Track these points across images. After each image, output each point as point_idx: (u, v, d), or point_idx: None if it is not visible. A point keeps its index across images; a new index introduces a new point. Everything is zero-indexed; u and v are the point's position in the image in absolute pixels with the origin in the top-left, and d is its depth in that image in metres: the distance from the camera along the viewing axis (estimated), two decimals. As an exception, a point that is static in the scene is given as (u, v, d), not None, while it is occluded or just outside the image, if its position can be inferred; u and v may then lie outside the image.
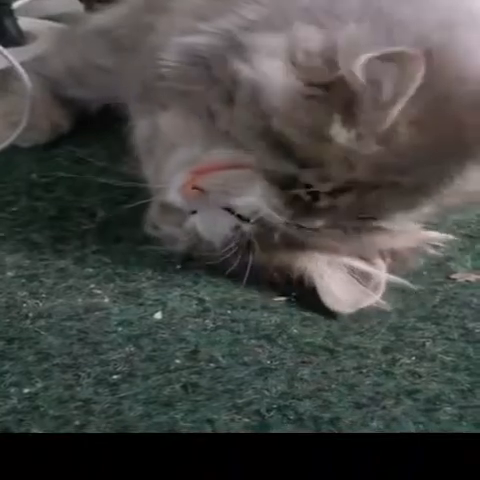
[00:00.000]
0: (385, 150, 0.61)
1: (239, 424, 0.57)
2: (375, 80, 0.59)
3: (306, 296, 0.68)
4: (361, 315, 0.66)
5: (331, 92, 0.62)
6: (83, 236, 0.75)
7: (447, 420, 0.57)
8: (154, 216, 0.72)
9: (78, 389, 0.59)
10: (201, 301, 0.68)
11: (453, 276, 0.71)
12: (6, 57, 0.87)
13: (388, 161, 0.61)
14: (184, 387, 0.60)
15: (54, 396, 0.59)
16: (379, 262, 0.69)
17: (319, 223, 0.65)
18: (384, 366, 0.62)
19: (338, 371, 0.61)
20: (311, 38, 0.64)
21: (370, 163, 0.61)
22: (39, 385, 0.59)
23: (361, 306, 0.66)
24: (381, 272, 0.68)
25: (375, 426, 0.57)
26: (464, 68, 0.62)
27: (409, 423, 0.57)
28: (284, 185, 0.65)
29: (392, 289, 0.68)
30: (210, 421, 0.57)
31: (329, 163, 0.62)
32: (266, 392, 0.59)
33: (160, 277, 0.71)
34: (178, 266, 0.71)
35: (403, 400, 0.59)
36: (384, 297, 0.67)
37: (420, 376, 0.61)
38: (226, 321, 0.66)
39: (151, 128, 0.73)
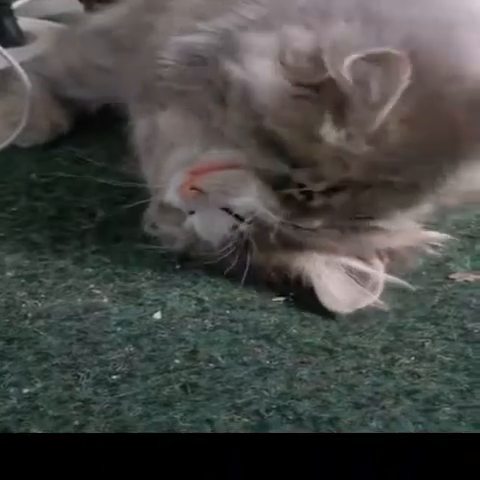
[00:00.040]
0: (376, 149, 0.61)
1: (238, 424, 0.57)
2: (362, 81, 0.59)
3: (305, 296, 0.68)
4: (360, 315, 0.66)
5: (321, 92, 0.62)
6: (82, 236, 0.75)
7: (446, 420, 0.57)
8: (153, 215, 0.72)
9: (77, 389, 0.59)
10: (200, 301, 0.68)
11: (452, 276, 0.71)
12: (6, 57, 0.87)
13: (380, 160, 0.61)
14: (183, 387, 0.60)
15: (53, 396, 0.59)
16: (377, 262, 0.69)
17: (315, 223, 0.65)
18: (383, 366, 0.62)
19: (337, 371, 0.61)
20: (300, 38, 0.65)
21: (362, 162, 0.61)
22: (38, 385, 0.59)
23: (359, 306, 0.66)
24: (379, 272, 0.68)
25: (374, 426, 0.57)
26: (458, 66, 0.62)
27: (408, 423, 0.57)
28: (277, 185, 0.65)
29: (391, 289, 0.68)
30: (209, 421, 0.57)
31: (321, 163, 0.62)
32: (265, 392, 0.59)
33: (159, 277, 0.71)
34: (177, 266, 0.71)
35: (402, 400, 0.59)
36: (383, 297, 0.67)
37: (419, 376, 0.61)
38: (225, 321, 0.66)
39: (150, 127, 0.73)
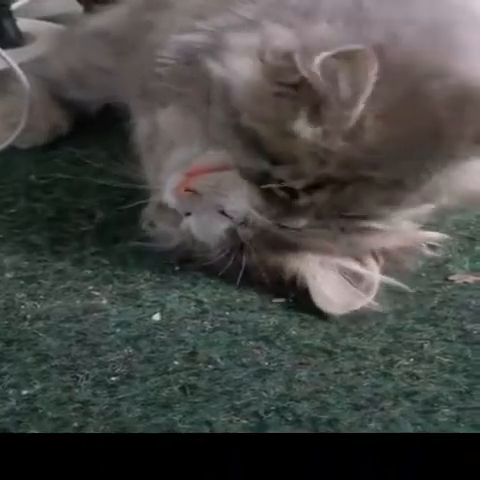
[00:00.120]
0: (352, 146, 0.61)
1: (237, 426, 0.57)
2: (332, 79, 0.60)
3: (304, 298, 0.68)
4: (359, 317, 0.66)
5: (299, 90, 0.62)
6: (81, 237, 0.75)
7: (445, 422, 0.57)
8: (151, 214, 0.73)
9: (76, 391, 0.59)
10: (199, 303, 0.68)
11: (451, 278, 0.71)
12: (5, 58, 0.87)
13: (357, 156, 0.61)
14: (182, 389, 0.60)
15: (52, 398, 0.59)
16: (372, 263, 0.69)
17: (301, 222, 0.65)
18: (382, 368, 0.62)
19: (336, 373, 0.61)
20: (280, 37, 0.65)
21: (339, 159, 0.61)
22: (37, 387, 0.59)
23: (353, 308, 0.66)
24: (374, 273, 0.68)
25: (373, 427, 0.57)
26: (442, 64, 0.62)
27: (407, 425, 0.57)
28: (260, 183, 0.65)
29: (390, 291, 0.68)
30: (208, 422, 0.57)
31: (299, 159, 0.62)
32: (264, 394, 0.59)
33: (158, 279, 0.71)
34: (177, 268, 0.71)
35: (401, 402, 0.59)
36: (381, 299, 0.67)
37: (418, 378, 0.61)
38: (224, 323, 0.66)
39: (152, 126, 0.74)
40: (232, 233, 0.67)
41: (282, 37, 0.65)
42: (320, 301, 0.67)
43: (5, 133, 0.88)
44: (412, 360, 0.62)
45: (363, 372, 0.61)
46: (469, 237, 0.77)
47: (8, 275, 0.71)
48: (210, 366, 0.62)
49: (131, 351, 0.63)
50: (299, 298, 0.68)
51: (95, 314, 0.66)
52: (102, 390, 0.59)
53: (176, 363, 0.62)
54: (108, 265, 0.72)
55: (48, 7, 1.10)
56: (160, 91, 0.73)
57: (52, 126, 0.92)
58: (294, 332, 0.65)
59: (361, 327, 0.66)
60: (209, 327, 0.66)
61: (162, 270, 0.71)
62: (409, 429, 0.57)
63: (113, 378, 0.60)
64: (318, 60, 0.59)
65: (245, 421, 0.57)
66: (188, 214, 0.69)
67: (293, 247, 0.67)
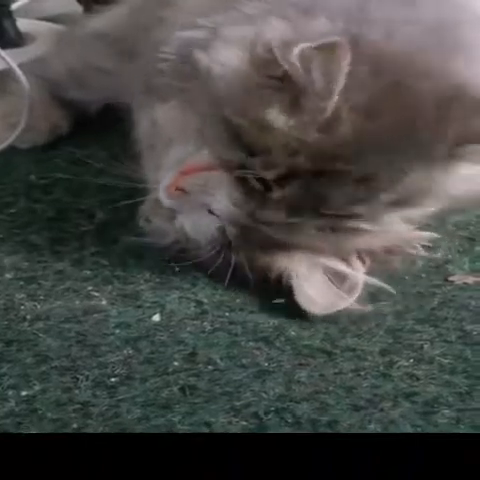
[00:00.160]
0: (326, 137, 0.61)
1: (237, 427, 0.57)
2: (309, 70, 0.60)
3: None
4: (359, 317, 0.66)
5: (284, 83, 0.62)
6: (81, 238, 0.75)
7: (445, 423, 0.57)
8: (147, 210, 0.73)
9: (76, 392, 0.59)
10: (199, 303, 0.68)
11: (451, 278, 0.71)
12: (4, 58, 0.87)
13: (329, 149, 0.61)
14: (182, 389, 0.60)
15: (52, 399, 0.59)
16: (357, 264, 0.69)
17: (277, 216, 0.65)
18: (382, 368, 0.62)
19: (336, 373, 0.61)
20: (274, 30, 0.65)
21: (311, 150, 0.61)
22: (37, 388, 0.59)
23: (336, 308, 0.66)
24: (358, 274, 0.68)
25: (373, 428, 0.57)
26: (438, 64, 0.62)
27: (407, 426, 0.57)
28: (237, 173, 0.65)
29: (390, 292, 0.68)
30: (208, 423, 0.57)
31: (272, 150, 0.62)
32: (264, 394, 0.59)
33: (158, 279, 0.71)
34: (177, 269, 0.71)
35: (401, 402, 0.59)
36: (381, 299, 0.67)
37: (418, 379, 0.61)
38: (224, 323, 0.66)
39: (151, 122, 0.74)
40: (222, 231, 0.67)
41: (277, 30, 0.65)
42: (303, 301, 0.67)
43: (5, 133, 0.88)
44: (412, 361, 0.62)
45: (363, 373, 0.61)
46: (469, 238, 0.77)
47: (8, 275, 0.71)
48: (210, 367, 0.62)
49: (131, 352, 0.63)
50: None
51: (95, 315, 0.66)
52: (102, 391, 0.59)
53: (176, 364, 0.62)
54: (108, 266, 0.72)
55: (48, 7, 1.10)
56: (162, 87, 0.73)
57: (52, 126, 0.92)
58: (294, 333, 0.65)
59: (361, 328, 0.66)
60: (209, 328, 0.66)
61: (162, 271, 0.71)
62: (409, 430, 0.57)
63: (113, 379, 0.60)
64: (296, 51, 0.60)
65: (245, 422, 0.57)
66: (180, 212, 0.69)
67: (280, 246, 0.67)
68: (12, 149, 0.88)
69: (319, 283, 0.68)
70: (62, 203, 0.81)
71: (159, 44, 0.74)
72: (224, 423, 0.57)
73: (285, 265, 0.68)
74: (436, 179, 0.64)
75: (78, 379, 0.60)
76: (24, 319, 0.66)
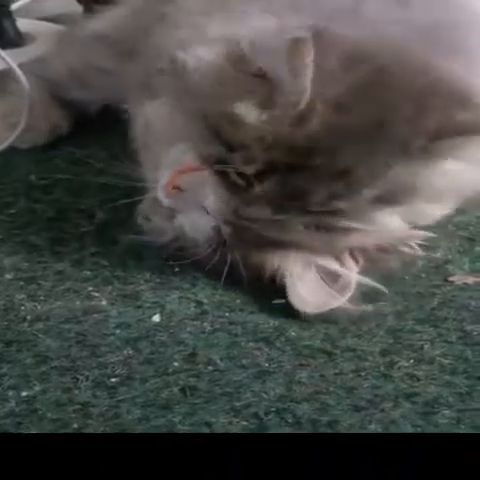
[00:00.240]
0: (299, 131, 0.61)
1: (237, 427, 0.57)
2: (278, 65, 0.61)
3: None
4: (359, 318, 0.66)
5: (257, 79, 0.63)
6: (81, 238, 0.75)
7: (445, 423, 0.57)
8: (146, 208, 0.73)
9: (76, 392, 0.59)
10: (199, 304, 0.68)
11: (451, 279, 0.71)
12: (4, 59, 0.87)
13: (303, 142, 0.61)
14: (182, 390, 0.60)
15: (52, 399, 0.59)
16: (350, 263, 0.68)
17: (263, 213, 0.64)
18: (382, 369, 0.62)
19: (336, 374, 0.61)
20: (254, 28, 0.66)
21: (286, 144, 0.61)
22: (37, 388, 0.59)
23: (328, 308, 0.66)
24: (351, 273, 0.68)
25: (373, 429, 0.57)
26: (423, 61, 0.63)
27: (407, 426, 0.57)
28: (217, 167, 0.65)
29: (391, 291, 0.68)
30: (208, 424, 0.57)
31: (250, 145, 0.63)
32: (264, 395, 0.59)
33: (158, 280, 0.71)
34: (176, 269, 0.71)
35: (401, 403, 0.59)
36: (381, 299, 0.67)
37: (418, 379, 0.61)
38: (224, 324, 0.66)
39: (144, 119, 0.74)
40: (217, 230, 0.67)
41: (256, 27, 0.65)
42: (295, 299, 0.67)
43: (5, 133, 0.88)
44: (412, 361, 0.62)
45: (363, 373, 0.61)
46: (469, 238, 0.77)
47: (8, 276, 0.71)
48: (210, 367, 0.62)
49: (131, 352, 0.63)
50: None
51: (95, 315, 0.66)
52: (102, 391, 0.59)
53: (176, 364, 0.62)
54: (108, 266, 0.72)
55: (48, 7, 1.10)
56: (155, 86, 0.73)
57: (52, 126, 0.92)
58: (294, 333, 0.65)
59: (361, 328, 0.65)
60: (209, 328, 0.66)
61: (162, 271, 0.71)
62: (409, 430, 0.57)
63: (113, 379, 0.60)
64: (266, 47, 0.61)
65: (245, 422, 0.57)
66: (179, 211, 0.69)
67: (274, 245, 0.67)
68: (12, 149, 0.88)
69: (311, 282, 0.68)
70: (62, 203, 0.81)
71: (157, 43, 0.74)
72: (224, 423, 0.57)
73: (279, 264, 0.68)
74: (419, 175, 0.64)
75: (78, 379, 0.60)
76: (24, 319, 0.66)
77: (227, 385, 0.60)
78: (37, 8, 1.07)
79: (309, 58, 0.59)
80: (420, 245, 0.71)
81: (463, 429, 0.57)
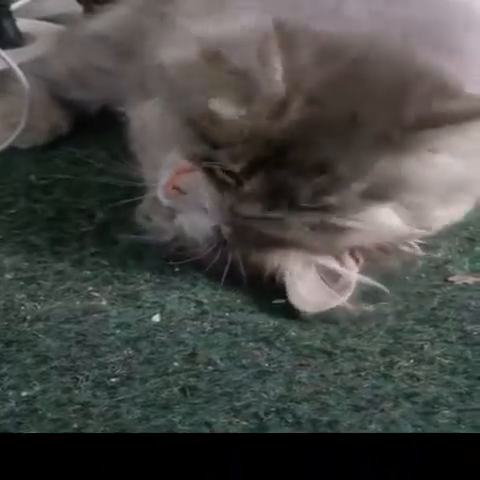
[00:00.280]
0: (277, 125, 0.61)
1: (237, 427, 0.57)
2: (252, 60, 0.61)
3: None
4: (359, 317, 0.66)
5: (233, 75, 0.63)
6: (81, 238, 0.75)
7: (445, 423, 0.57)
8: (146, 208, 0.73)
9: (76, 392, 0.59)
10: (199, 303, 0.68)
11: (451, 279, 0.71)
12: (4, 58, 0.87)
13: (282, 137, 0.61)
14: (182, 390, 0.60)
15: (52, 399, 0.59)
16: (350, 262, 0.68)
17: (255, 210, 0.64)
18: (382, 369, 0.62)
19: (336, 374, 0.61)
20: (242, 26, 0.66)
21: (266, 139, 0.61)
22: (37, 388, 0.59)
23: (327, 307, 0.66)
24: (351, 273, 0.68)
25: (373, 429, 0.57)
26: (390, 51, 0.63)
27: (407, 426, 0.57)
28: (205, 165, 0.65)
29: (391, 291, 0.68)
30: (208, 424, 0.57)
31: (232, 142, 0.63)
32: (264, 395, 0.59)
33: (158, 279, 0.71)
34: (176, 269, 0.71)
35: (401, 403, 0.59)
36: (381, 299, 0.67)
37: (418, 379, 0.61)
38: (224, 324, 0.66)
39: (141, 120, 0.74)
40: (217, 230, 0.67)
41: (242, 25, 0.66)
42: (295, 299, 0.67)
43: (5, 133, 0.88)
44: (412, 361, 0.62)
45: (363, 373, 0.61)
46: (469, 238, 0.77)
47: (8, 276, 0.71)
48: (210, 367, 0.62)
49: (131, 352, 0.63)
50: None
51: (95, 315, 0.66)
52: (102, 391, 0.59)
53: (176, 364, 0.62)
54: (108, 266, 0.72)
55: (48, 7, 1.10)
56: (151, 86, 0.73)
57: (52, 126, 0.92)
58: (294, 333, 0.65)
59: (361, 328, 0.65)
60: (209, 328, 0.66)
61: (162, 271, 0.71)
62: (409, 430, 0.57)
63: (113, 379, 0.60)
64: (241, 43, 0.61)
65: (245, 422, 0.57)
66: (179, 211, 0.69)
67: (274, 244, 0.67)
68: (12, 149, 0.88)
69: (311, 282, 0.68)
70: (62, 203, 0.81)
71: (153, 43, 0.74)
72: (224, 423, 0.57)
73: (279, 263, 0.68)
74: (405, 168, 0.63)
75: (78, 379, 0.60)
76: (24, 319, 0.66)
77: (227, 385, 0.60)
78: (37, 8, 1.07)
79: (277, 51, 0.59)
80: (420, 245, 0.71)
81: (463, 429, 0.57)
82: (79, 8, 1.10)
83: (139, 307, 0.67)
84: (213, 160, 0.64)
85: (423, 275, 0.72)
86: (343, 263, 0.68)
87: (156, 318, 0.66)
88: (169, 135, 0.69)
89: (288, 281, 0.67)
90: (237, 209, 0.65)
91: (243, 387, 0.60)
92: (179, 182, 0.67)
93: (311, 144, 0.61)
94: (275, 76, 0.60)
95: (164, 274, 0.71)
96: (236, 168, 0.63)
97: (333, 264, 0.68)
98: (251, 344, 0.64)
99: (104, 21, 0.91)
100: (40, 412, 0.57)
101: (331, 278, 0.68)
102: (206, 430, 0.56)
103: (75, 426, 0.57)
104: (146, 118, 0.73)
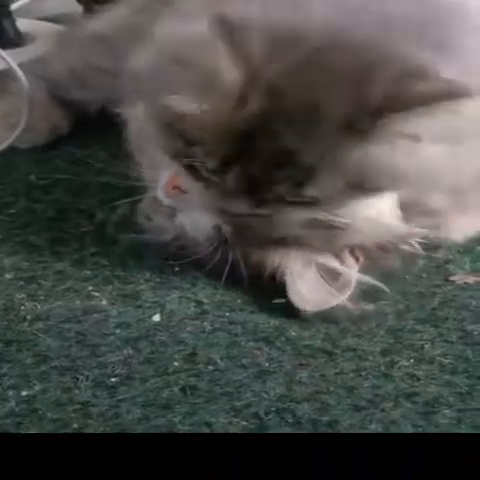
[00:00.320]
0: (239, 117, 0.61)
1: (237, 427, 0.57)
2: (209, 54, 0.61)
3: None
4: (360, 317, 0.66)
5: (192, 71, 0.64)
6: (81, 238, 0.75)
7: (446, 423, 0.57)
8: (147, 207, 0.73)
9: (76, 392, 0.59)
10: (199, 303, 0.68)
11: (452, 278, 0.71)
12: (4, 58, 0.87)
13: (246, 129, 0.61)
14: (182, 390, 0.60)
15: (52, 399, 0.59)
16: (350, 261, 0.68)
17: (242, 207, 0.64)
18: (383, 369, 0.62)
19: (336, 374, 0.61)
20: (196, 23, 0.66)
21: (230, 133, 0.61)
22: (37, 388, 0.59)
23: (328, 306, 0.66)
24: (351, 271, 0.67)
25: (374, 429, 0.57)
26: (352, 40, 0.62)
27: (408, 426, 0.57)
28: (185, 162, 0.65)
29: (392, 290, 0.68)
30: (208, 424, 0.57)
31: (204, 138, 0.63)
32: (264, 395, 0.59)
33: (158, 279, 0.71)
34: (176, 268, 0.71)
35: (402, 403, 0.59)
36: (382, 298, 0.67)
37: (419, 379, 0.61)
38: (224, 323, 0.66)
39: (137, 120, 0.75)
40: (218, 229, 0.67)
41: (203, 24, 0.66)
42: (295, 298, 0.67)
43: (5, 133, 0.88)
44: (413, 361, 0.62)
45: (363, 373, 0.61)
46: (469, 237, 0.76)
47: (8, 276, 0.71)
48: (210, 367, 0.62)
49: (131, 352, 0.63)
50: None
51: (95, 315, 0.66)
52: (102, 391, 0.59)
53: (176, 364, 0.62)
54: (108, 266, 0.72)
55: (48, 7, 1.10)
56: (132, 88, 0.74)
57: (52, 126, 0.92)
58: (294, 333, 0.65)
59: (361, 328, 0.65)
60: (209, 328, 0.66)
61: (162, 271, 0.71)
62: (409, 430, 0.57)
63: (113, 379, 0.60)
64: (198, 41, 0.61)
65: (245, 422, 0.57)
66: (179, 210, 0.69)
67: (275, 243, 0.67)
68: (12, 149, 0.88)
69: (311, 280, 0.68)
70: (62, 203, 0.81)
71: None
72: (224, 423, 0.57)
73: (279, 262, 0.68)
74: (381, 157, 0.61)
75: (78, 379, 0.60)
76: (24, 319, 0.66)
77: (227, 385, 0.60)
78: (37, 8, 1.07)
79: (226, 46, 0.59)
80: (421, 244, 0.71)
81: (464, 429, 0.57)
82: (79, 8, 1.10)
83: (139, 307, 0.67)
84: (192, 158, 0.64)
85: (424, 275, 0.71)
86: (343, 262, 0.68)
87: (156, 318, 0.66)
88: (154, 136, 0.70)
89: (288, 280, 0.67)
90: (225, 206, 0.65)
91: (243, 387, 0.60)
92: (179, 182, 0.67)
93: (274, 135, 0.60)
94: (228, 71, 0.60)
95: (164, 274, 0.71)
96: (212, 165, 0.63)
97: (333, 263, 0.68)
98: (251, 344, 0.64)
99: (104, 21, 0.91)
100: (40, 412, 0.57)
101: (331, 277, 0.67)
102: (206, 430, 0.56)
103: (75, 426, 0.57)
104: (142, 118, 0.73)
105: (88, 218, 0.78)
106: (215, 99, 0.61)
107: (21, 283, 0.70)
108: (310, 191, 0.62)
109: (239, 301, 0.68)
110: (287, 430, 0.57)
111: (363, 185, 0.62)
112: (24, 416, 0.57)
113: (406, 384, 0.60)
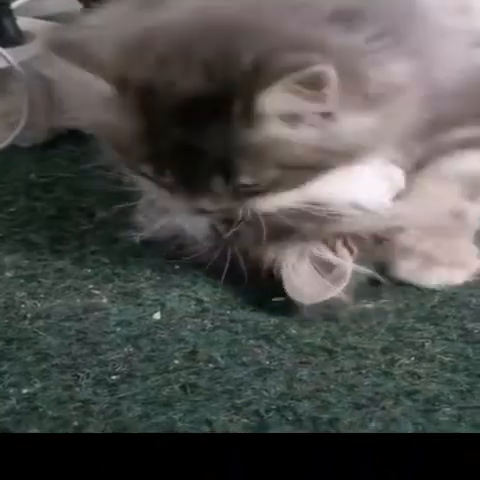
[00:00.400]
0: (130, 124, 0.61)
1: (238, 425, 0.57)
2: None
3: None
4: (360, 315, 0.66)
5: None
6: (82, 236, 0.76)
7: (446, 421, 0.57)
8: (146, 205, 0.73)
9: (77, 390, 0.59)
10: (200, 301, 0.68)
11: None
12: (5, 57, 0.87)
13: (147, 129, 0.60)
14: (183, 387, 0.60)
15: (53, 397, 0.59)
16: (344, 252, 0.68)
17: (209, 205, 0.64)
18: (383, 367, 0.62)
19: (337, 372, 0.61)
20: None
21: (137, 136, 0.61)
22: (38, 385, 0.60)
23: (322, 298, 0.65)
24: (346, 263, 0.67)
25: (374, 427, 0.57)
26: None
27: (408, 424, 0.57)
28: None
29: (391, 290, 0.68)
30: (209, 421, 0.57)
31: (127, 144, 0.63)
32: (265, 393, 0.59)
33: (159, 277, 0.71)
34: (177, 266, 0.71)
35: (402, 401, 0.59)
36: (382, 297, 0.67)
37: (419, 377, 0.61)
38: (225, 321, 0.66)
39: None
40: (214, 228, 0.67)
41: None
42: (291, 290, 0.66)
43: (5, 132, 0.88)
44: (413, 359, 0.62)
45: (364, 371, 0.61)
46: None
47: (8, 274, 0.71)
48: (210, 365, 0.62)
49: (131, 350, 0.63)
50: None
51: (95, 313, 0.66)
52: (102, 389, 0.59)
53: (176, 362, 0.62)
54: (108, 264, 0.72)
55: (48, 6, 1.09)
56: None
57: (52, 124, 0.92)
58: (294, 331, 0.65)
59: (362, 326, 0.65)
60: (209, 326, 0.66)
61: (162, 269, 0.71)
62: (410, 428, 0.57)
63: (113, 377, 0.60)
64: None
65: (245, 420, 0.57)
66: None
67: (270, 237, 0.67)
68: (12, 147, 0.88)
69: (306, 273, 0.67)
70: (62, 201, 0.81)
71: None
72: (225, 421, 0.57)
73: (275, 256, 0.68)
74: (281, 135, 0.60)
75: (79, 377, 0.60)
76: (24, 317, 0.66)
77: (228, 383, 0.60)
78: (37, 6, 1.07)
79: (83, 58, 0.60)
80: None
81: (464, 427, 0.57)
82: (79, 7, 1.10)
83: (139, 305, 0.67)
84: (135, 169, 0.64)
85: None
86: (337, 253, 0.68)
87: (156, 316, 0.66)
88: None
89: (284, 274, 0.67)
90: (193, 206, 0.64)
91: (244, 385, 0.60)
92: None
93: (170, 134, 0.60)
94: (98, 83, 0.60)
95: (164, 272, 0.71)
96: (150, 171, 0.63)
97: (327, 254, 0.68)
98: (252, 342, 0.64)
99: (103, 18, 0.90)
100: (41, 410, 0.58)
101: (326, 269, 0.67)
102: (207, 428, 0.57)
103: (75, 424, 0.57)
104: None
105: (88, 216, 0.78)
106: (103, 112, 0.62)
107: (21, 281, 0.70)
108: (245, 179, 0.61)
109: (239, 299, 0.69)
110: (287, 428, 0.57)
111: (294, 164, 0.61)
112: (25, 414, 0.57)
113: (406, 382, 0.60)
